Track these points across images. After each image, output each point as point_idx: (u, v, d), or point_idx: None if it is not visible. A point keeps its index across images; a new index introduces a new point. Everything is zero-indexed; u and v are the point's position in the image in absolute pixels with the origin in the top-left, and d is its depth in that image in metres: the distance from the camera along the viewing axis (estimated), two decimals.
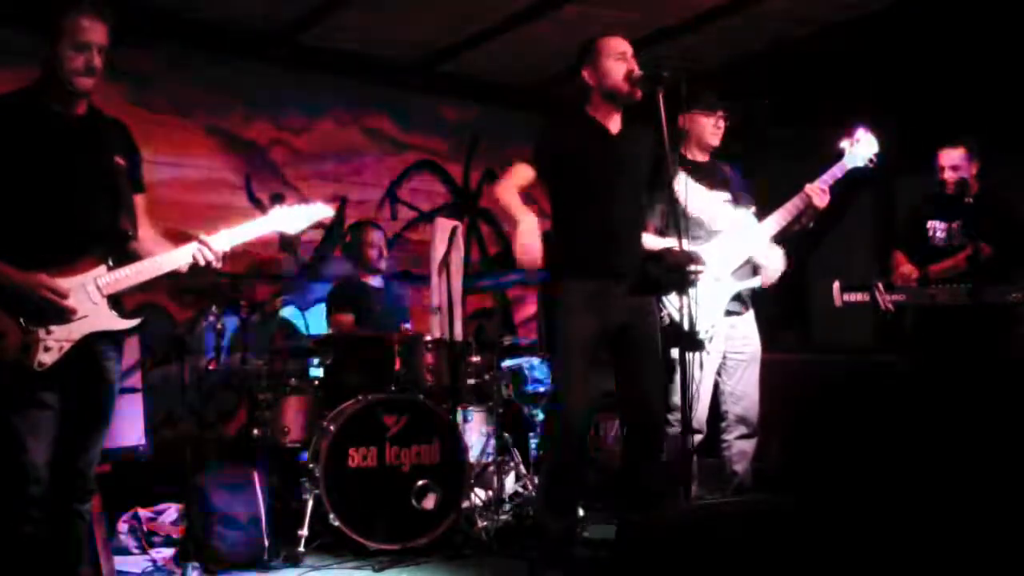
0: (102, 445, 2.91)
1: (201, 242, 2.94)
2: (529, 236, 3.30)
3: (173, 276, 2.99)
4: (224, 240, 2.99)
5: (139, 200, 3.02)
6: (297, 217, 3.21)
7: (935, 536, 3.24)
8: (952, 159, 4.45)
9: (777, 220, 4.02)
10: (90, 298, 2.77)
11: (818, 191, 3.93)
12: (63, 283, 2.72)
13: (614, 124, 3.58)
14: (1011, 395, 4.08)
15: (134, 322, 2.87)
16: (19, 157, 2.74)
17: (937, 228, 4.52)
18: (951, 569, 3.09)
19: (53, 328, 2.71)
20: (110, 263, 2.82)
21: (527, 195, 3.50)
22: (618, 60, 3.49)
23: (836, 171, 4.00)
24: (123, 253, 2.89)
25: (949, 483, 3.90)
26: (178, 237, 3.06)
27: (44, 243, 2.75)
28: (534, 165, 3.54)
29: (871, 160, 4.04)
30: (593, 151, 3.51)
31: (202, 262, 2.93)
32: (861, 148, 4.03)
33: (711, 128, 4.10)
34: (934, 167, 4.51)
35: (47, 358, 2.69)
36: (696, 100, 4.07)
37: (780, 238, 4.06)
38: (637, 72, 3.46)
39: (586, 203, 3.50)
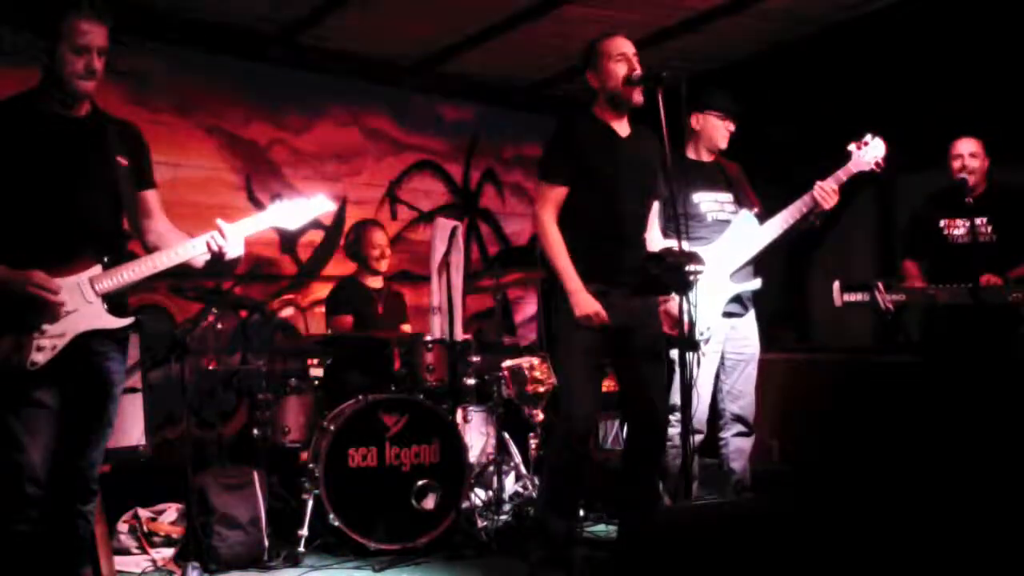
0: (104, 446, 2.91)
1: (217, 228, 2.91)
2: (586, 298, 3.38)
3: (193, 271, 2.97)
4: (240, 228, 2.94)
5: (152, 195, 3.02)
6: (297, 212, 3.13)
7: (936, 536, 3.24)
8: (970, 147, 4.43)
9: (780, 223, 4.02)
10: (84, 297, 2.77)
11: (827, 193, 3.91)
12: (57, 281, 2.72)
13: (622, 127, 3.57)
14: (1012, 395, 4.08)
15: (127, 321, 2.86)
16: (18, 159, 2.74)
17: (953, 226, 4.49)
18: (953, 569, 3.09)
19: (46, 327, 2.71)
20: (105, 262, 2.82)
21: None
22: (619, 61, 3.47)
23: (841, 174, 3.98)
24: (120, 253, 2.89)
25: (951, 483, 3.90)
26: None
27: (40, 243, 2.75)
28: (557, 178, 3.50)
29: (878, 164, 4.03)
30: (601, 154, 3.49)
31: (215, 248, 2.89)
32: (868, 151, 4.01)
33: (723, 131, 4.11)
34: (947, 159, 4.46)
35: (40, 357, 2.69)
36: (711, 101, 4.07)
37: (785, 238, 4.05)
38: (637, 72, 3.45)
39: (593, 206, 3.48)
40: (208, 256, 2.92)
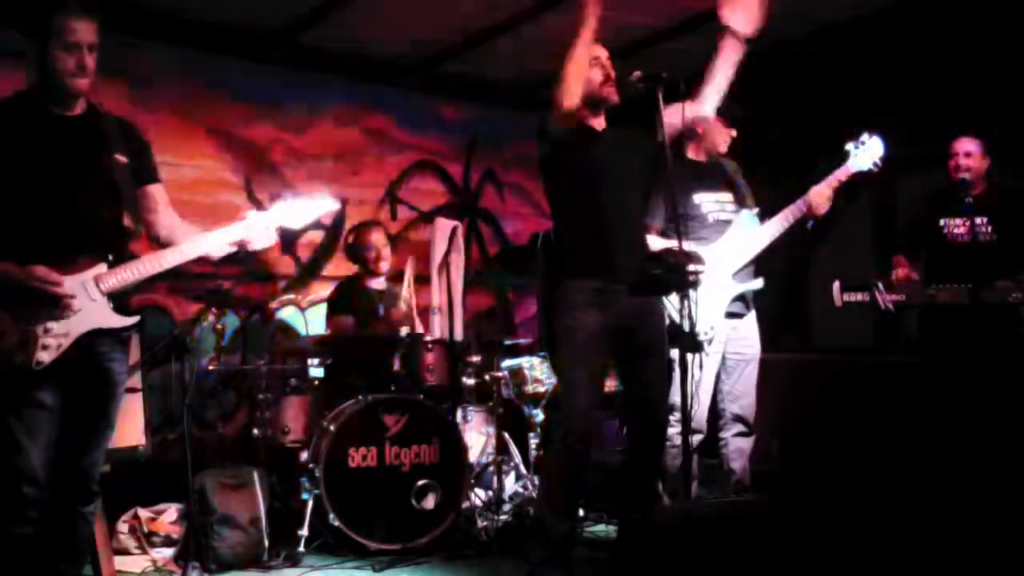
0: (106, 447, 2.90)
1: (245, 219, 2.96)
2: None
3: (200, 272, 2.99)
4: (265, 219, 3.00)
5: (157, 189, 3.01)
6: (301, 211, 3.13)
7: (935, 536, 3.24)
8: (968, 146, 4.43)
9: (779, 223, 4.03)
10: (89, 296, 2.76)
11: (821, 199, 3.93)
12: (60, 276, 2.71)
13: (598, 123, 3.61)
14: (1011, 395, 4.08)
15: (132, 320, 2.85)
16: (16, 159, 2.73)
17: (953, 225, 4.48)
18: (951, 569, 3.09)
19: (51, 326, 2.70)
20: (110, 260, 2.81)
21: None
22: (592, 66, 3.50)
23: (840, 174, 3.99)
24: (122, 251, 2.89)
25: (949, 483, 3.90)
26: None
27: (42, 243, 2.74)
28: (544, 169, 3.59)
29: (876, 164, 4.03)
30: (578, 151, 3.52)
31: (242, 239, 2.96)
32: (867, 151, 4.01)
33: (725, 136, 4.13)
34: (947, 158, 4.45)
35: (45, 356, 2.68)
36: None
37: (782, 240, 4.06)
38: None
39: (578, 203, 3.51)
40: (232, 248, 2.96)
